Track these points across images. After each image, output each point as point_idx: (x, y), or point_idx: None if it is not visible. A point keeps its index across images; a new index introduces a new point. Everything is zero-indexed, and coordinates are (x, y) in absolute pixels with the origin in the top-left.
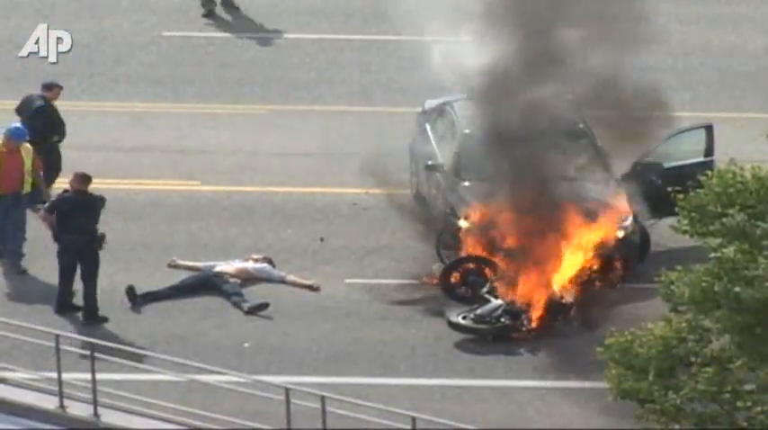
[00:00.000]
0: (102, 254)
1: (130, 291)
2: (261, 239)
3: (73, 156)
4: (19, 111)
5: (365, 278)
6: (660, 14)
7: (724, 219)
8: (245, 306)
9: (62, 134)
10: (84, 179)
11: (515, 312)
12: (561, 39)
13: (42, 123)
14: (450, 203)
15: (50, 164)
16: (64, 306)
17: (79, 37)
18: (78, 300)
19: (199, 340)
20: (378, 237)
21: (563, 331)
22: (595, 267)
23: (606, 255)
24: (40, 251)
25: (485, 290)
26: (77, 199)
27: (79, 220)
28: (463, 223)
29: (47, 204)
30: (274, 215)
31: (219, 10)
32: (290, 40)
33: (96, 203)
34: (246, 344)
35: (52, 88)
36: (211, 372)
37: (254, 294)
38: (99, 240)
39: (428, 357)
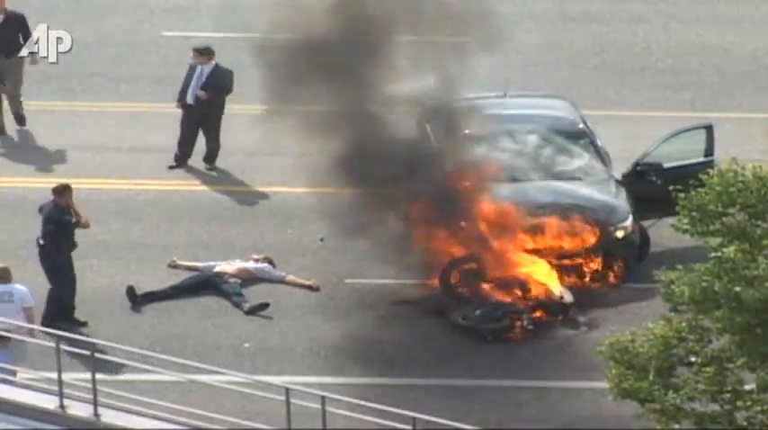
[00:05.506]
0: (102, 253)
1: (130, 291)
2: (261, 239)
3: (73, 156)
4: None
5: (365, 278)
6: (660, 14)
7: (724, 219)
8: (246, 306)
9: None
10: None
11: (515, 312)
12: None
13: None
14: None
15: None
16: (68, 314)
17: (79, 37)
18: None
19: (199, 340)
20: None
21: (563, 331)
22: (594, 267)
23: (605, 255)
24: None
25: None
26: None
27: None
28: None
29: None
30: (274, 215)
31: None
32: None
33: None
34: (247, 345)
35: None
36: (211, 372)
37: (254, 294)
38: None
39: (428, 357)
